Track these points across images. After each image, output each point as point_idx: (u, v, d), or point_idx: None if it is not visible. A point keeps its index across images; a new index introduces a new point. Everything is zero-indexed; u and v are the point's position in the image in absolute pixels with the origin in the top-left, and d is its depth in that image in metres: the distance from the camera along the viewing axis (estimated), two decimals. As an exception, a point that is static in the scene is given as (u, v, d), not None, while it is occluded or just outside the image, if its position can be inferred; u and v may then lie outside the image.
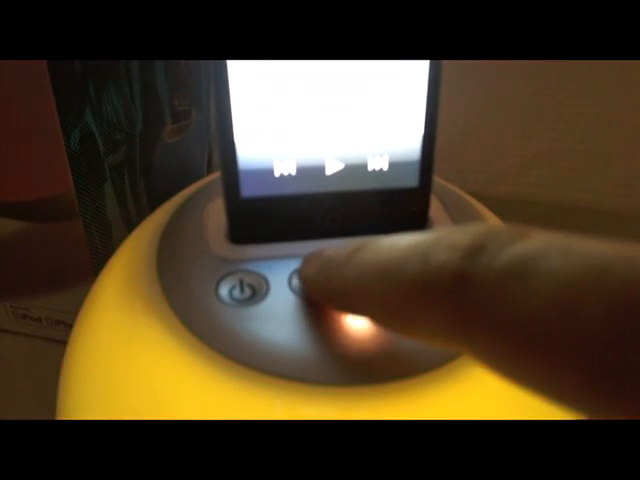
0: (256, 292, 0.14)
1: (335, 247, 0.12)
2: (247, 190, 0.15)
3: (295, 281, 0.14)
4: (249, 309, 0.13)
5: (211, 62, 0.14)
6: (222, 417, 0.11)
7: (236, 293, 0.13)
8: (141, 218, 0.30)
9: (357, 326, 0.13)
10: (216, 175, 0.17)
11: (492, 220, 0.18)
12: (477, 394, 0.12)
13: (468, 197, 0.19)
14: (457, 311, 0.08)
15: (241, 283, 0.14)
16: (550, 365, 0.07)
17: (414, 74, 0.14)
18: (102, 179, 0.26)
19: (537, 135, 0.32)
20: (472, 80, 0.31)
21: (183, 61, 0.32)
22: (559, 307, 0.07)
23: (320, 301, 0.12)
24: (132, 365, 0.13)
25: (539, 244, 0.08)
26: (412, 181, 0.16)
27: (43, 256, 0.27)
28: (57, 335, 0.30)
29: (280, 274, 0.14)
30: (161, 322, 0.13)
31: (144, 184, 0.30)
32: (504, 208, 0.21)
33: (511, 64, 0.31)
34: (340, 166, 0.15)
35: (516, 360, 0.07)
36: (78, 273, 0.27)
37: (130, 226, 0.29)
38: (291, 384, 0.12)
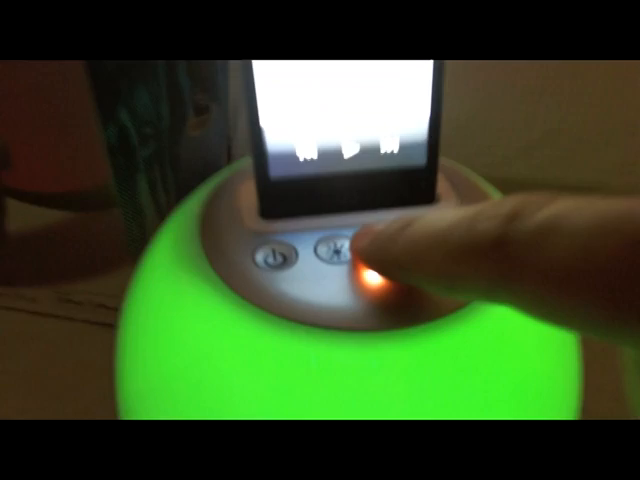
0: (287, 259, 0.16)
1: (384, 223, 0.13)
2: (275, 172, 0.17)
3: (321, 248, 0.16)
4: (282, 273, 0.15)
5: (237, 61, 0.16)
6: (257, 356, 0.14)
7: (270, 260, 0.16)
8: (170, 206, 0.32)
9: (373, 282, 0.15)
10: (245, 160, 0.19)
11: (496, 196, 0.20)
12: (486, 333, 0.14)
13: (475, 176, 0.21)
14: (499, 266, 0.09)
15: (274, 252, 0.16)
16: (579, 299, 0.09)
17: (420, 64, 0.16)
18: (136, 171, 0.28)
19: (540, 118, 0.34)
20: (477, 67, 0.33)
21: (203, 58, 0.34)
22: (586, 251, 0.08)
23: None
24: (185, 318, 0.15)
25: (566, 205, 0.09)
26: (420, 160, 0.18)
27: (84, 244, 0.29)
28: (98, 318, 0.32)
29: (307, 244, 0.16)
30: (207, 285, 0.15)
31: (172, 174, 0.32)
32: (511, 189, 0.23)
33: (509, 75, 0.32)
34: (356, 149, 0.17)
35: (550, 301, 0.09)
36: (116, 258, 0.30)
37: (160, 213, 0.31)
38: (317, 330, 0.14)
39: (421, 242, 0.11)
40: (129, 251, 0.29)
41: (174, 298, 0.16)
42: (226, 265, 0.16)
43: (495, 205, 0.10)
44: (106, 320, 0.32)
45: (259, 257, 0.16)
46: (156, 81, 0.28)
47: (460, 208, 0.11)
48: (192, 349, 0.15)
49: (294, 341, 0.14)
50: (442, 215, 0.11)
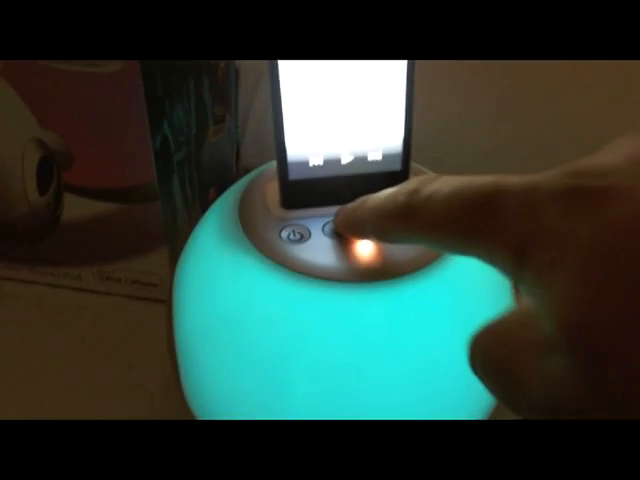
0: (303, 236, 0.22)
1: (351, 203, 0.20)
2: (293, 175, 0.23)
3: (327, 229, 0.23)
4: (299, 245, 0.22)
5: (270, 89, 0.22)
6: (280, 297, 0.20)
7: (291, 236, 0.22)
8: (195, 200, 0.39)
9: (363, 250, 0.22)
10: (269, 166, 0.26)
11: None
12: (446, 281, 0.21)
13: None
14: (407, 220, 0.16)
15: (294, 231, 0.23)
16: (445, 231, 0.14)
17: (397, 97, 0.23)
18: (171, 171, 0.34)
19: (501, 128, 0.41)
20: (445, 86, 0.40)
21: (220, 73, 0.41)
22: (446, 205, 0.14)
23: (346, 234, 0.21)
24: (230, 274, 0.22)
25: (442, 180, 0.15)
26: (397, 166, 0.24)
27: (124, 230, 0.35)
28: (134, 292, 0.38)
29: (317, 226, 0.23)
30: (247, 252, 0.22)
31: (196, 174, 0.38)
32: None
33: (478, 69, 0.39)
34: (351, 158, 0.24)
35: (434, 235, 0.15)
36: (150, 242, 0.36)
37: (187, 206, 0.38)
38: (323, 282, 0.21)
39: (370, 210, 0.18)
40: (163, 235, 0.36)
41: (222, 260, 0.23)
42: (260, 240, 0.22)
43: (406, 184, 0.17)
44: (141, 294, 0.38)
45: (283, 234, 0.22)
46: (187, 98, 0.35)
47: (391, 188, 0.18)
48: (235, 295, 0.22)
49: (306, 287, 0.21)
50: (381, 194, 0.18)
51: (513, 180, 0.13)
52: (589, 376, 0.11)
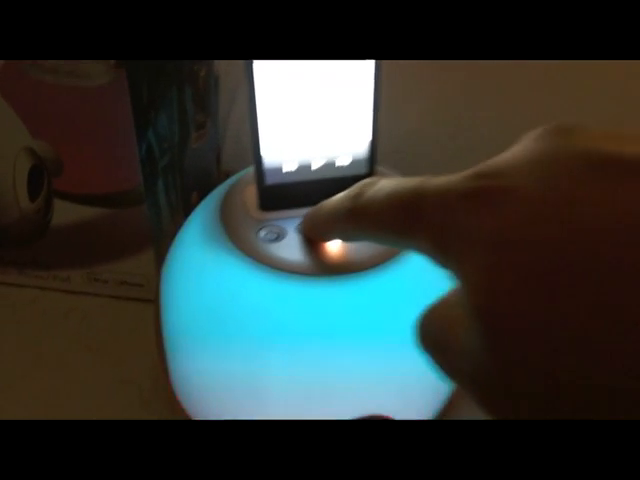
0: (279, 235, 0.25)
1: (311, 209, 0.23)
2: (269, 180, 0.26)
3: (300, 229, 0.25)
4: (276, 244, 0.24)
5: (247, 106, 0.24)
6: (258, 289, 0.23)
7: (268, 236, 0.25)
8: (178, 204, 0.41)
9: (331, 248, 0.24)
10: (248, 171, 0.28)
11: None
12: (407, 274, 0.24)
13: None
14: (354, 221, 0.18)
15: (271, 231, 0.25)
16: (383, 227, 0.16)
17: (361, 108, 0.25)
18: (156, 177, 0.36)
19: (465, 130, 0.43)
20: (409, 93, 0.42)
21: (201, 82, 0.43)
22: (382, 206, 0.16)
23: (309, 236, 0.24)
24: (213, 270, 0.24)
25: (380, 184, 0.17)
26: (363, 170, 0.27)
27: (114, 233, 0.37)
28: (121, 292, 0.40)
29: (292, 226, 0.25)
30: (228, 250, 0.24)
31: (180, 179, 0.40)
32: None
33: (441, 73, 0.42)
34: (321, 163, 0.26)
35: (374, 230, 0.17)
36: (137, 244, 0.38)
37: (172, 210, 0.40)
38: (296, 275, 0.23)
39: (325, 215, 0.21)
40: (148, 238, 0.38)
41: (206, 259, 0.25)
42: (240, 239, 0.25)
43: (351, 190, 0.19)
44: (128, 294, 0.40)
45: (261, 234, 0.25)
46: (171, 107, 0.37)
47: (341, 193, 0.20)
48: (218, 290, 0.24)
49: (281, 282, 0.23)
50: (333, 198, 0.20)
51: (434, 182, 0.15)
52: (490, 344, 0.13)
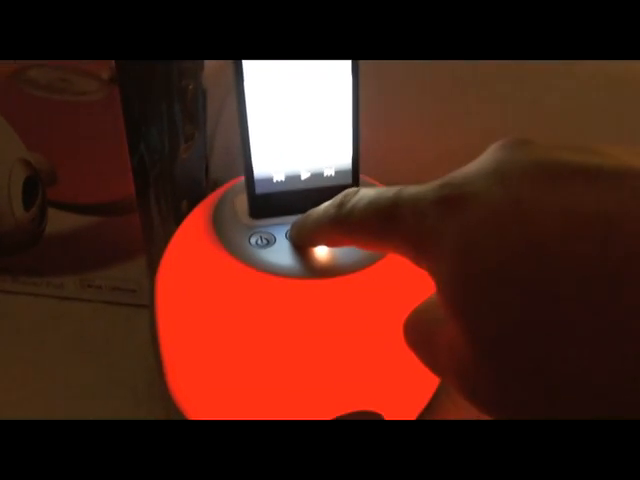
0: (269, 241, 0.26)
1: (298, 217, 0.24)
2: (259, 189, 0.27)
3: (289, 235, 0.27)
4: (266, 249, 0.26)
5: (238, 119, 0.26)
6: (249, 292, 0.24)
7: (259, 242, 0.26)
8: (169, 212, 0.42)
9: (318, 253, 0.26)
10: (239, 181, 0.30)
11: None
12: (389, 277, 0.25)
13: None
14: (338, 228, 0.20)
15: (261, 237, 0.27)
16: (365, 231, 0.18)
17: (344, 123, 0.27)
18: (148, 187, 0.38)
19: (443, 140, 0.45)
20: (391, 105, 0.44)
21: (190, 96, 0.44)
22: (363, 214, 0.18)
23: (297, 242, 0.26)
24: (206, 274, 0.26)
25: (361, 193, 0.19)
26: (348, 180, 0.29)
27: (106, 241, 0.39)
28: (114, 298, 0.41)
29: (281, 232, 0.27)
30: (220, 255, 0.26)
31: (170, 188, 0.42)
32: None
33: (420, 79, 0.44)
34: (308, 174, 0.28)
35: (357, 234, 0.19)
36: (129, 251, 0.39)
37: (163, 218, 0.41)
38: (285, 278, 0.25)
39: (311, 224, 0.22)
40: (140, 245, 0.39)
41: (199, 263, 0.26)
42: (232, 245, 0.26)
43: (335, 199, 0.20)
44: (121, 300, 0.41)
45: (252, 240, 0.26)
46: (161, 120, 0.39)
47: (326, 202, 0.21)
48: (211, 293, 0.26)
49: (270, 284, 0.25)
50: (319, 208, 0.22)
51: (408, 191, 0.17)
52: (465, 334, 0.14)
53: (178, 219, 0.44)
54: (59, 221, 0.38)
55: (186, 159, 0.45)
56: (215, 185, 0.32)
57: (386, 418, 0.28)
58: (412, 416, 0.32)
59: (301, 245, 0.26)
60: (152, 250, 0.40)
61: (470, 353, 0.14)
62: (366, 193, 0.19)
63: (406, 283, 0.27)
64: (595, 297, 0.12)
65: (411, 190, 0.17)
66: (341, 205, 0.20)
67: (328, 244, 0.23)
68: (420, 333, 0.18)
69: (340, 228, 0.20)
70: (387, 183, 0.33)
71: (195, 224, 0.28)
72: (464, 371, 0.15)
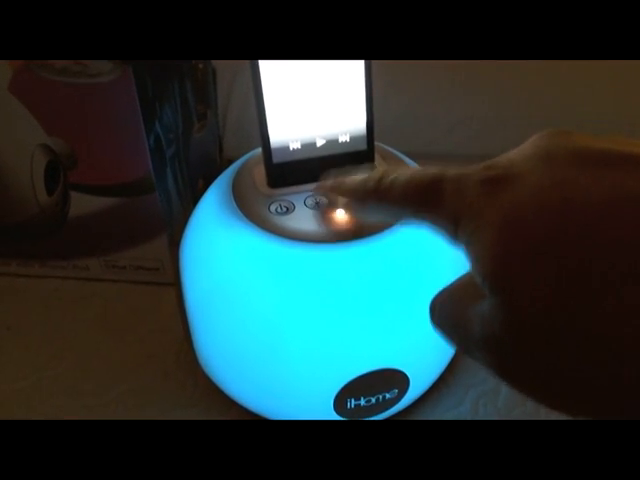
0: (288, 209, 0.27)
1: (330, 180, 0.25)
2: (276, 158, 0.28)
3: (308, 202, 0.27)
4: (286, 216, 0.27)
5: (253, 89, 0.27)
6: (270, 256, 0.25)
7: (278, 210, 0.27)
8: (186, 191, 0.43)
9: (338, 218, 0.26)
10: (255, 153, 0.31)
11: (409, 163, 0.31)
12: (408, 240, 0.26)
13: (399, 154, 0.32)
14: (378, 198, 0.20)
15: (280, 205, 0.27)
16: (404, 204, 0.19)
17: (357, 87, 0.27)
18: (165, 166, 0.39)
19: (456, 107, 0.46)
20: (404, 75, 0.44)
21: (200, 75, 0.45)
22: (403, 188, 0.19)
23: (332, 196, 0.26)
24: (229, 240, 0.26)
25: (400, 170, 0.19)
26: (363, 146, 0.29)
27: (128, 221, 0.39)
28: (138, 277, 0.42)
29: (300, 200, 0.27)
30: (242, 223, 0.26)
31: (185, 167, 0.42)
32: (434, 161, 0.34)
33: (428, 65, 0.44)
34: (324, 141, 0.28)
35: (394, 206, 0.19)
36: (151, 231, 0.40)
37: (181, 196, 0.42)
38: (308, 244, 0.25)
39: (347, 191, 0.23)
40: (161, 224, 0.40)
41: (222, 232, 0.27)
42: (253, 214, 0.27)
43: (375, 172, 0.21)
44: (145, 278, 0.42)
45: (272, 208, 0.27)
46: (174, 99, 0.39)
47: (361, 174, 0.22)
48: (236, 260, 0.26)
49: (294, 249, 0.25)
50: (354, 179, 0.23)
51: (451, 171, 0.18)
52: (504, 307, 0.15)
53: (195, 197, 0.44)
54: (81, 204, 0.39)
55: (200, 138, 0.45)
56: (229, 163, 0.32)
57: (408, 376, 0.29)
58: (433, 375, 0.33)
59: (331, 203, 0.26)
60: (172, 228, 0.41)
61: (506, 328, 0.15)
62: (405, 171, 0.19)
63: (425, 245, 0.27)
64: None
65: (454, 170, 0.18)
66: (381, 179, 0.20)
67: (359, 214, 0.24)
68: (449, 311, 0.18)
69: (379, 198, 0.20)
70: (401, 150, 0.33)
71: (215, 197, 0.29)
72: (498, 346, 0.15)
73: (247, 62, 0.26)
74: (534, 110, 0.46)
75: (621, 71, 0.43)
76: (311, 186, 0.28)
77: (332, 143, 0.28)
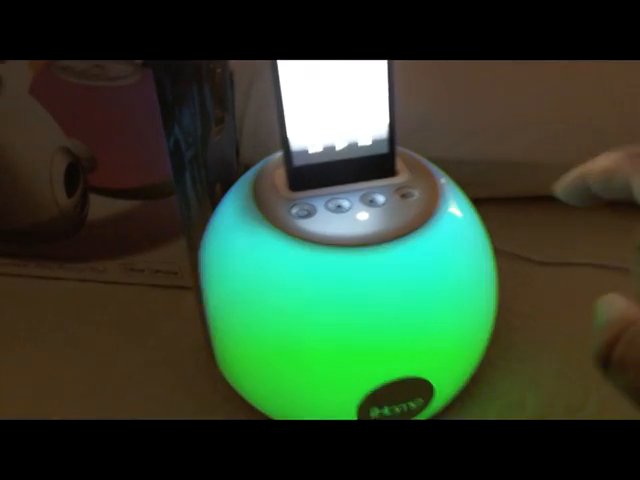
0: (310, 212, 0.27)
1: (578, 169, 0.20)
2: (297, 161, 0.28)
3: (330, 205, 0.27)
4: (307, 219, 0.26)
5: (273, 92, 0.26)
6: (292, 260, 0.25)
7: (300, 213, 0.27)
8: (204, 194, 0.43)
9: (359, 222, 0.26)
10: (274, 157, 0.30)
11: (433, 170, 0.31)
12: (430, 244, 0.26)
13: (420, 157, 0.32)
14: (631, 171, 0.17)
15: (301, 208, 0.27)
16: None
17: (379, 90, 0.27)
18: (184, 169, 0.39)
19: (478, 111, 0.45)
20: (424, 80, 0.44)
21: (218, 79, 0.45)
22: None
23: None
24: (251, 245, 0.26)
25: None
26: (384, 149, 0.29)
27: (146, 224, 0.39)
28: (156, 281, 0.42)
29: (321, 203, 0.27)
30: (264, 227, 0.26)
31: (204, 170, 0.42)
32: (454, 166, 0.34)
33: (448, 70, 0.44)
34: (344, 144, 0.28)
35: None
36: (171, 234, 0.40)
37: (199, 200, 0.42)
38: (331, 248, 0.25)
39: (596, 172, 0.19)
40: (180, 227, 0.40)
41: (243, 236, 0.27)
42: (274, 217, 0.27)
43: (617, 154, 0.18)
44: (163, 282, 0.42)
45: (293, 211, 0.27)
46: (192, 103, 0.39)
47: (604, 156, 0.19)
48: (257, 263, 0.26)
49: (316, 253, 0.25)
50: (601, 161, 0.19)
51: None
52: None
53: (214, 201, 0.44)
54: (100, 207, 0.39)
55: (217, 142, 0.45)
56: (246, 168, 0.32)
57: (433, 385, 0.28)
58: (458, 385, 0.32)
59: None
60: (191, 232, 0.41)
61: None
62: None
63: (449, 250, 0.27)
64: None
65: None
66: (629, 157, 0.18)
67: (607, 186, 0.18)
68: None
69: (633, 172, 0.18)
70: (422, 154, 0.33)
71: (235, 200, 0.29)
72: None
73: (264, 67, 0.26)
74: (554, 115, 0.45)
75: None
76: (332, 189, 0.28)
77: (353, 146, 0.28)
